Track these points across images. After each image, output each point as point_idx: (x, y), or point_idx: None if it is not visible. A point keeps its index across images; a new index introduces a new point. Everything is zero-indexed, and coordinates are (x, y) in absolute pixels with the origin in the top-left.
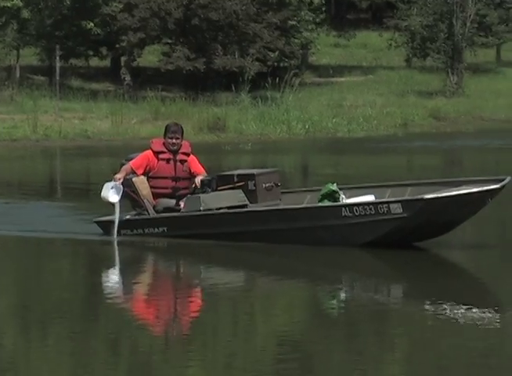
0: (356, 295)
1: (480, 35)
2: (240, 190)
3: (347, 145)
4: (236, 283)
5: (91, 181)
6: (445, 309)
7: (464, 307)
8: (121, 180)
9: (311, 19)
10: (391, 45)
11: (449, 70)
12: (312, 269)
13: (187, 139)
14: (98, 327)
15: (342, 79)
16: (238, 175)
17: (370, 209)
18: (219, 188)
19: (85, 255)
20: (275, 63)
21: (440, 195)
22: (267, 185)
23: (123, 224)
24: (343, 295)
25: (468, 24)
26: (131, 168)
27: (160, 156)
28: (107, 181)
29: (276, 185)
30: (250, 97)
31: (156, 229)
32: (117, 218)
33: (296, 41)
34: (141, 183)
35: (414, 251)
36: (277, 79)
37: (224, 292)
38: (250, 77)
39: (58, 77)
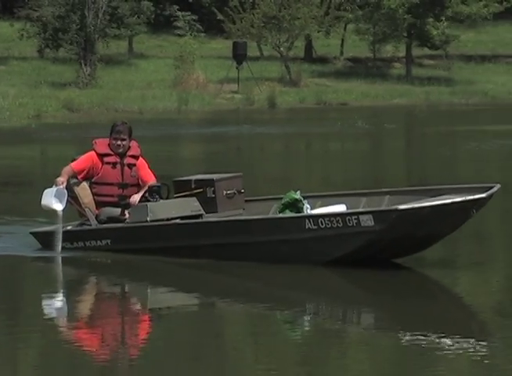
0: (320, 323)
1: (112, 27)
2: (195, 198)
3: None
4: (185, 308)
5: None
6: (420, 339)
7: (441, 336)
8: (65, 184)
9: None
10: (22, 35)
11: (82, 61)
12: (271, 292)
13: None
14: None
15: None
16: (196, 181)
17: (338, 221)
18: (176, 195)
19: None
20: None
21: (417, 205)
22: (228, 192)
23: (62, 236)
24: (305, 323)
25: (100, 16)
26: (73, 171)
27: (105, 159)
28: (46, 187)
29: (239, 192)
30: None
31: (98, 242)
32: (60, 228)
33: None
34: (82, 190)
35: (388, 270)
36: None
37: (172, 317)
38: None
39: None
